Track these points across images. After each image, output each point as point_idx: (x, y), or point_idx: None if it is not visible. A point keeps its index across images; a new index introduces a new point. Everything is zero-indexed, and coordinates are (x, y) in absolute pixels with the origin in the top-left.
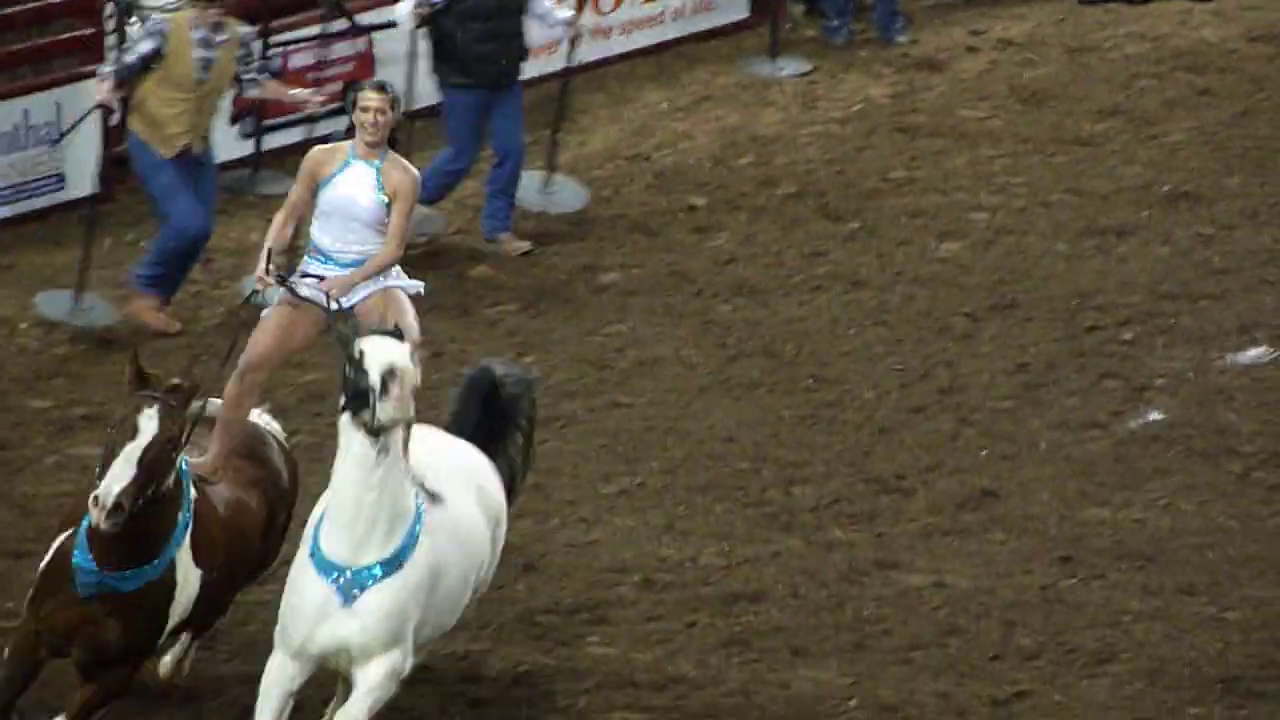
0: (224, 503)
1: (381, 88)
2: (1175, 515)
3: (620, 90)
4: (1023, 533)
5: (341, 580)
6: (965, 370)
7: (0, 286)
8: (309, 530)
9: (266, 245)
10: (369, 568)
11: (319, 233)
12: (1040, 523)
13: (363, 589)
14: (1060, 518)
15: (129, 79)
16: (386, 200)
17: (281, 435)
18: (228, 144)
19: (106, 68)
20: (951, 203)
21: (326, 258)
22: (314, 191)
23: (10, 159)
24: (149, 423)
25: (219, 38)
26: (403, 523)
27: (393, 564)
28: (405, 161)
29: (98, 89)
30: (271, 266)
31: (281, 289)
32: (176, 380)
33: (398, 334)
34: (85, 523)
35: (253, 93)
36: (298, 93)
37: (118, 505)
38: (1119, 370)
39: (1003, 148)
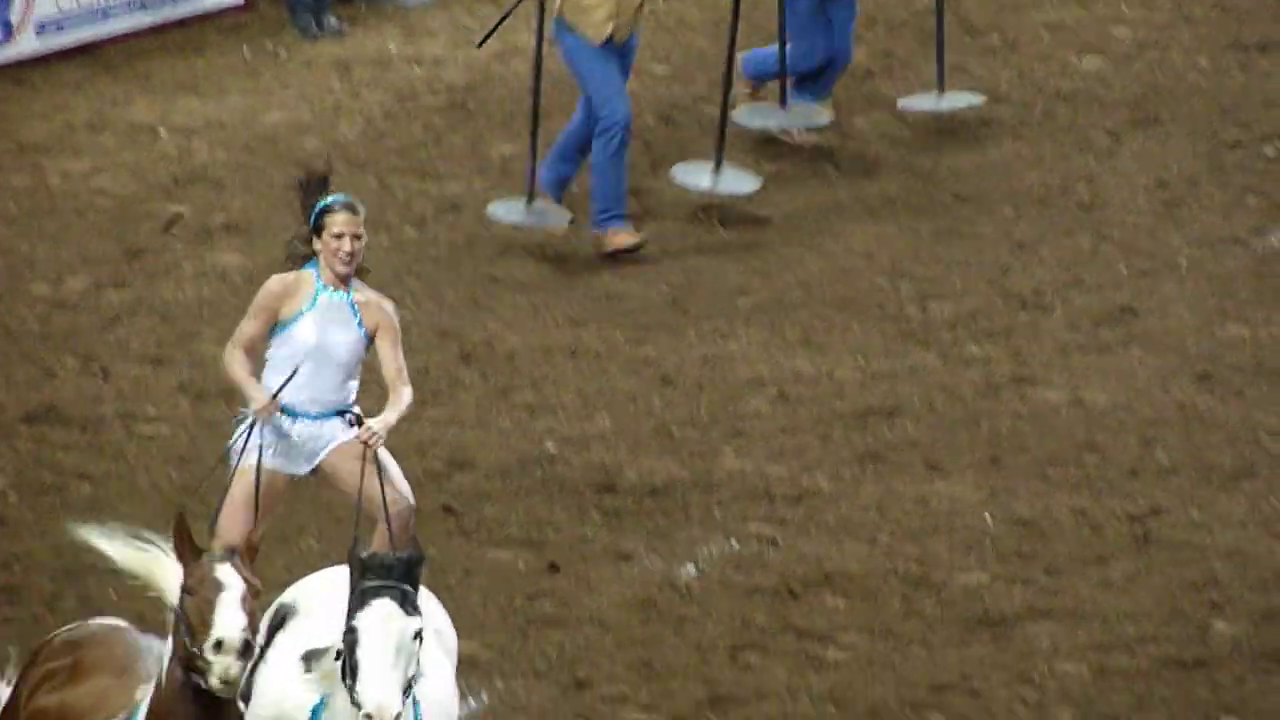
0: None
1: (352, 207)
2: None
3: None
4: (1161, 349)
5: None
6: (1105, 186)
7: (141, 94)
8: None
9: (244, 378)
10: None
11: (279, 380)
12: (1179, 339)
13: None
14: (1199, 334)
15: None
16: (368, 336)
17: None
18: None
19: None
20: (1093, 17)
21: (293, 412)
22: (271, 329)
23: None
24: (231, 576)
25: None
26: None
27: None
28: (374, 291)
29: None
30: (262, 396)
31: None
32: (241, 542)
33: (414, 563)
34: None
35: None
36: None
37: (246, 643)
38: (1260, 186)
39: None
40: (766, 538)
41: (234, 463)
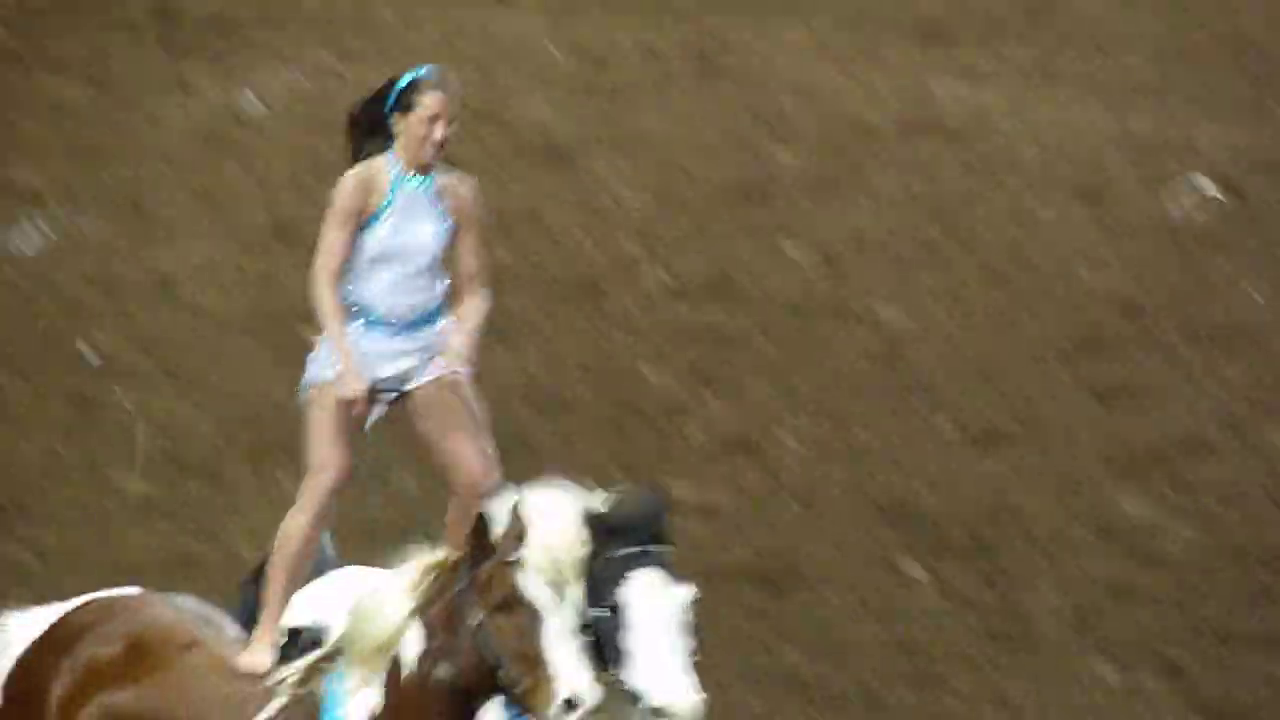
0: None
1: (441, 85)
2: None
3: None
4: None
5: None
6: None
7: None
8: None
9: (338, 332)
10: None
11: (362, 289)
12: None
13: None
14: None
15: None
16: (452, 226)
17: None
18: None
19: None
20: None
21: (375, 322)
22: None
23: None
24: (543, 594)
25: None
26: None
27: None
28: (453, 172)
29: None
30: (355, 373)
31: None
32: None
33: (664, 513)
34: None
35: None
36: None
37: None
38: None
39: None
40: (332, 70)
41: (313, 382)
